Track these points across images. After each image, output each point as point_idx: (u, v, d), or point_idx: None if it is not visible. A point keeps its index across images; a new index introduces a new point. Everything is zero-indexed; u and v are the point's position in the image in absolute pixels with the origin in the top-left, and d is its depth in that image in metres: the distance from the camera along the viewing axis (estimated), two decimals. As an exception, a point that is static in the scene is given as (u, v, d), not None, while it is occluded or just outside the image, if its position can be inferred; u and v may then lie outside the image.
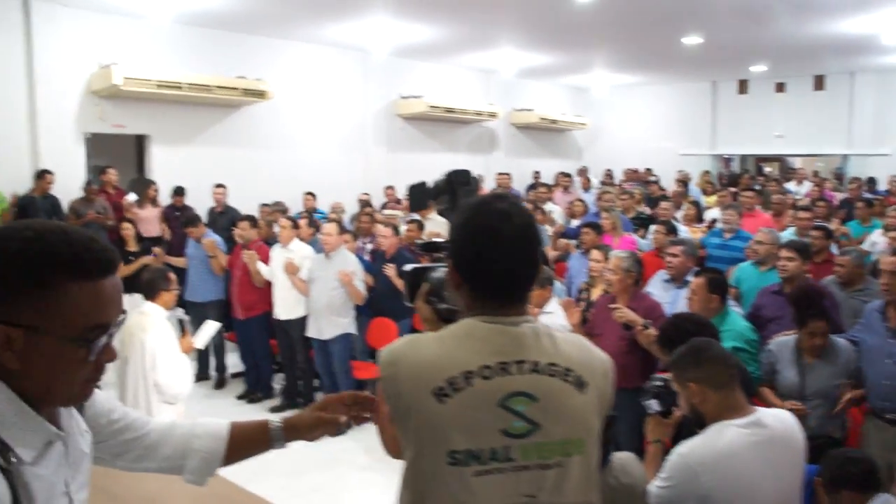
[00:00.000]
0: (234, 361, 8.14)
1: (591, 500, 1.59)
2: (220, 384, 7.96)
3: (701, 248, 7.11)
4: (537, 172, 15.06)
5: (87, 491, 1.40)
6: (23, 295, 1.16)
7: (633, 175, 15.27)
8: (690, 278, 5.43)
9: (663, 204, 8.77)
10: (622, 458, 2.05)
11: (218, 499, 2.54)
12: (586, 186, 13.99)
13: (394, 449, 1.67)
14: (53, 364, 1.20)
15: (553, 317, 4.96)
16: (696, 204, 9.65)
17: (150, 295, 4.37)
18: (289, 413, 1.78)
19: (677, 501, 2.31)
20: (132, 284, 7.60)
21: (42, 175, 8.28)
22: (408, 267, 2.06)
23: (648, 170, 14.60)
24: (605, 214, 7.95)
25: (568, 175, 14.04)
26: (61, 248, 1.18)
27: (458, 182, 1.87)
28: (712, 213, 9.77)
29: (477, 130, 14.84)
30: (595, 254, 5.87)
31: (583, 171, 15.84)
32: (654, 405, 2.69)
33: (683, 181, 12.92)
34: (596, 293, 5.70)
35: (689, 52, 12.35)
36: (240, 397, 7.61)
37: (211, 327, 4.90)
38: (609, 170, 15.94)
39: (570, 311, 5.08)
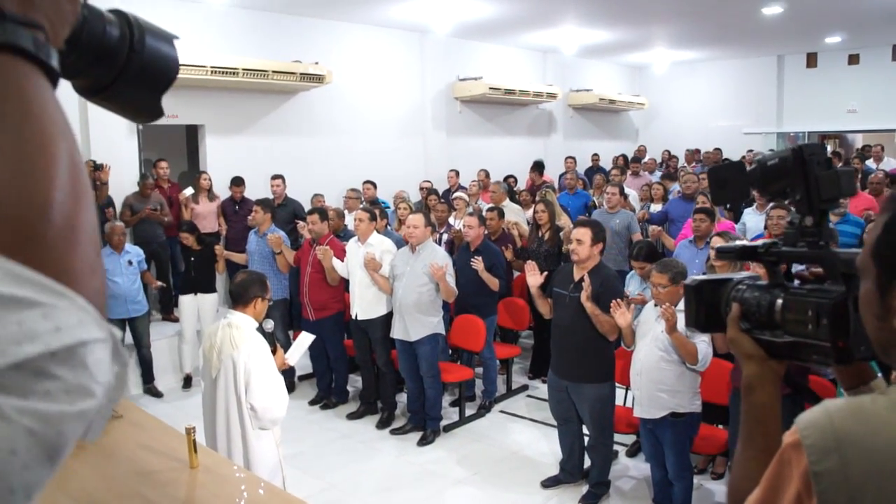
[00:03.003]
0: (301, 363, 7.64)
1: None
2: (289, 388, 7.41)
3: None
4: (596, 155, 14.39)
5: None
6: None
7: (693, 156, 14.54)
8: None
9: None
10: None
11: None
12: (652, 168, 13.28)
13: None
14: None
15: (688, 315, 4.33)
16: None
17: (243, 302, 3.80)
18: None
19: None
20: (201, 285, 7.31)
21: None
22: (692, 280, 1.44)
23: (717, 149, 13.83)
24: (703, 198, 7.29)
25: (638, 160, 13.40)
26: None
27: (814, 161, 1.25)
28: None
29: (534, 113, 14.21)
30: (718, 241, 5.24)
31: (642, 151, 15.15)
32: None
33: (758, 161, 12.15)
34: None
35: (763, 23, 11.59)
36: (312, 402, 7.11)
37: (305, 340, 4.37)
38: (667, 150, 15.23)
39: (620, 312, 4.54)
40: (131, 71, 0.82)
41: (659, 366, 4.40)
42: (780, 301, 1.25)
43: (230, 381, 3.57)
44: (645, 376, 4.46)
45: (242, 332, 3.63)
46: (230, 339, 3.61)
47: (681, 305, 4.40)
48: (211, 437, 3.73)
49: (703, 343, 4.30)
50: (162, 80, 0.86)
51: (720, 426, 5.09)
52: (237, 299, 3.79)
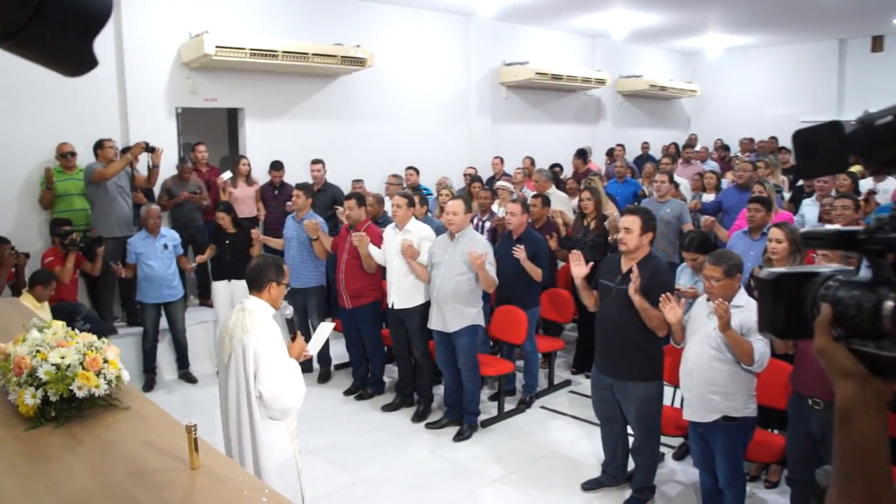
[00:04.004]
0: (338, 351, 7.49)
1: None
2: (325, 377, 7.31)
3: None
4: (646, 143, 13.96)
5: None
6: None
7: (749, 145, 13.98)
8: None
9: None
10: None
11: None
12: (704, 157, 12.80)
13: None
14: None
15: (744, 312, 4.01)
16: (850, 174, 8.43)
17: (258, 287, 3.62)
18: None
19: None
20: (235, 270, 7.12)
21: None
22: (768, 273, 1.14)
23: (773, 138, 13.27)
24: (759, 187, 6.90)
25: (690, 146, 12.95)
26: None
27: None
28: (866, 184, 8.58)
29: (582, 99, 13.82)
30: (775, 232, 4.89)
31: (694, 140, 14.64)
32: None
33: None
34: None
35: (824, 5, 11.04)
36: (347, 392, 6.94)
37: (325, 329, 4.15)
38: (720, 139, 14.71)
39: (669, 306, 4.22)
40: (49, 9, 0.62)
41: (711, 365, 4.09)
42: (890, 303, 0.96)
43: (240, 366, 3.40)
44: (696, 376, 4.16)
45: (255, 317, 3.46)
46: (241, 324, 3.43)
47: (736, 301, 4.09)
48: (225, 425, 3.57)
49: (759, 342, 3.97)
50: (90, 21, 0.65)
51: (776, 431, 4.76)
52: (251, 284, 3.63)
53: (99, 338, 2.81)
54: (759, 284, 1.16)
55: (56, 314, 6.01)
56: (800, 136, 1.12)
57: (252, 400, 3.41)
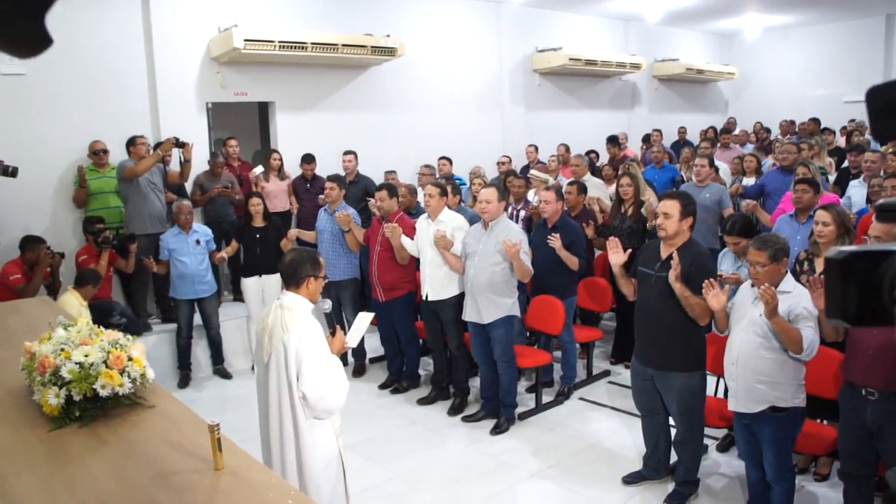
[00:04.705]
0: (372, 345, 7.42)
1: None
2: (360, 371, 7.25)
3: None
4: (683, 128, 13.67)
5: None
6: None
7: (789, 127, 13.61)
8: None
9: (869, 155, 7.31)
10: None
11: None
12: (743, 141, 12.50)
13: None
14: None
15: (792, 297, 3.84)
16: (897, 154, 8.13)
17: (294, 283, 3.50)
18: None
19: None
20: (265, 265, 7.09)
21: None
22: (837, 252, 1.00)
23: (814, 120, 12.90)
24: (804, 169, 6.66)
25: (728, 131, 12.65)
26: None
27: None
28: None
29: (617, 85, 13.57)
30: (822, 215, 4.68)
31: (732, 123, 14.33)
32: None
33: (861, 131, 11.23)
34: (822, 264, 4.52)
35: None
36: (382, 386, 6.86)
37: (364, 319, 4.03)
38: (759, 122, 14.35)
39: (713, 293, 4.05)
40: None
41: (757, 353, 3.92)
42: None
43: (282, 366, 3.29)
44: (741, 365, 3.99)
45: (294, 314, 3.33)
46: (281, 322, 3.31)
47: (782, 286, 3.91)
48: (264, 425, 3.47)
49: (808, 329, 3.79)
50: None
51: (826, 422, 4.57)
52: (288, 280, 3.49)
53: (125, 334, 2.75)
54: (827, 265, 1.03)
55: (92, 312, 6.03)
56: (875, 94, 0.98)
57: (295, 400, 3.29)
